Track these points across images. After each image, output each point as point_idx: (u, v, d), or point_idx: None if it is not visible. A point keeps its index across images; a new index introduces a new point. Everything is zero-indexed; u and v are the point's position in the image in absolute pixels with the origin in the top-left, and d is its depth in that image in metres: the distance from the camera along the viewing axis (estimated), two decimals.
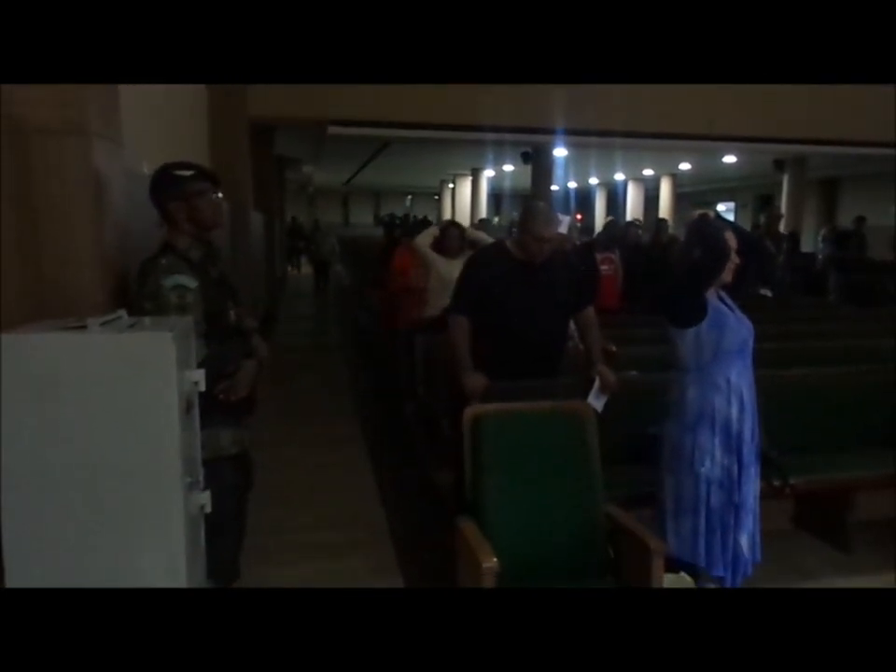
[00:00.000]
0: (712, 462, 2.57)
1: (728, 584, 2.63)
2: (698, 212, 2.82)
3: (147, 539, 1.73)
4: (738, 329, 2.61)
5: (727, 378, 2.58)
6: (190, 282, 2.20)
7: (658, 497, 2.72)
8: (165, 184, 2.28)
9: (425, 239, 5.24)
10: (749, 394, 2.63)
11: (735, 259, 2.56)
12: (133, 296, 2.22)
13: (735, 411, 2.59)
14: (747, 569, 2.65)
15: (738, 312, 2.66)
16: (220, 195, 2.38)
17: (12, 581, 1.67)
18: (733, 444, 2.59)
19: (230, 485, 2.33)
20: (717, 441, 2.58)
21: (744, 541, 2.61)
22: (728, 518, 2.60)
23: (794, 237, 9.71)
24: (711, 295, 2.61)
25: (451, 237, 5.10)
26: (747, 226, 16.52)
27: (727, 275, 2.59)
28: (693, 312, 2.57)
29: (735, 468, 2.60)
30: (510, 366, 2.91)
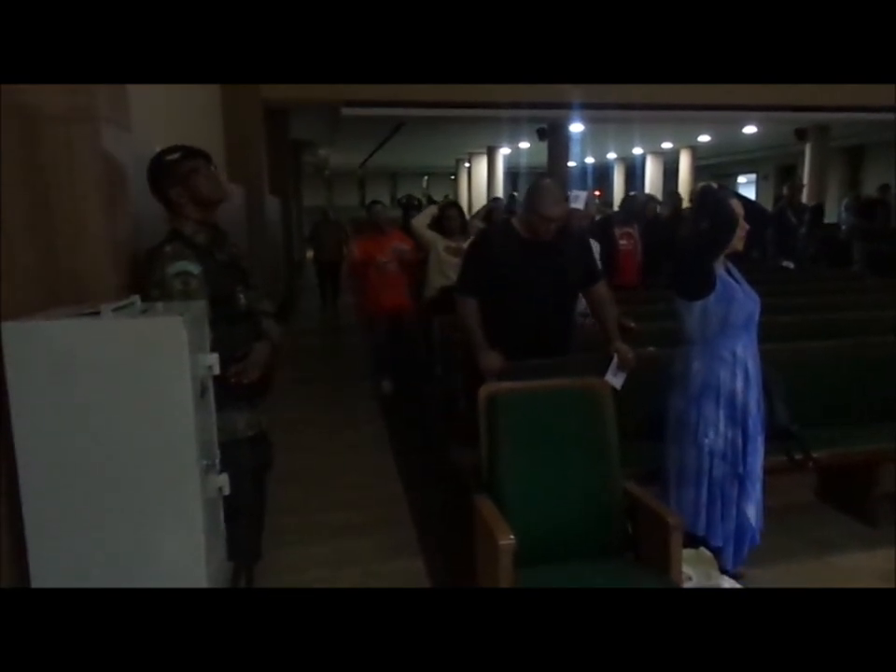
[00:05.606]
0: (716, 434, 2.59)
1: (731, 554, 2.66)
2: (701, 183, 2.79)
3: (165, 523, 1.75)
4: (745, 302, 2.60)
5: (733, 351, 2.59)
6: (194, 268, 2.20)
7: (662, 467, 2.73)
8: (160, 172, 2.28)
9: (422, 220, 5.30)
10: (753, 366, 2.64)
11: (744, 227, 2.54)
12: (144, 284, 2.22)
13: (740, 383, 2.60)
14: (754, 538, 2.68)
15: (746, 285, 2.65)
16: (215, 167, 2.38)
17: (34, 566, 1.70)
18: (738, 416, 2.61)
19: (246, 467, 2.35)
20: (721, 413, 2.60)
21: (751, 512, 2.64)
22: (730, 490, 2.63)
23: (819, 208, 9.53)
24: (720, 268, 2.59)
25: (450, 217, 5.22)
26: (769, 197, 16.31)
27: (738, 243, 2.58)
28: (703, 284, 2.56)
29: (740, 439, 2.61)
30: (515, 344, 2.89)
